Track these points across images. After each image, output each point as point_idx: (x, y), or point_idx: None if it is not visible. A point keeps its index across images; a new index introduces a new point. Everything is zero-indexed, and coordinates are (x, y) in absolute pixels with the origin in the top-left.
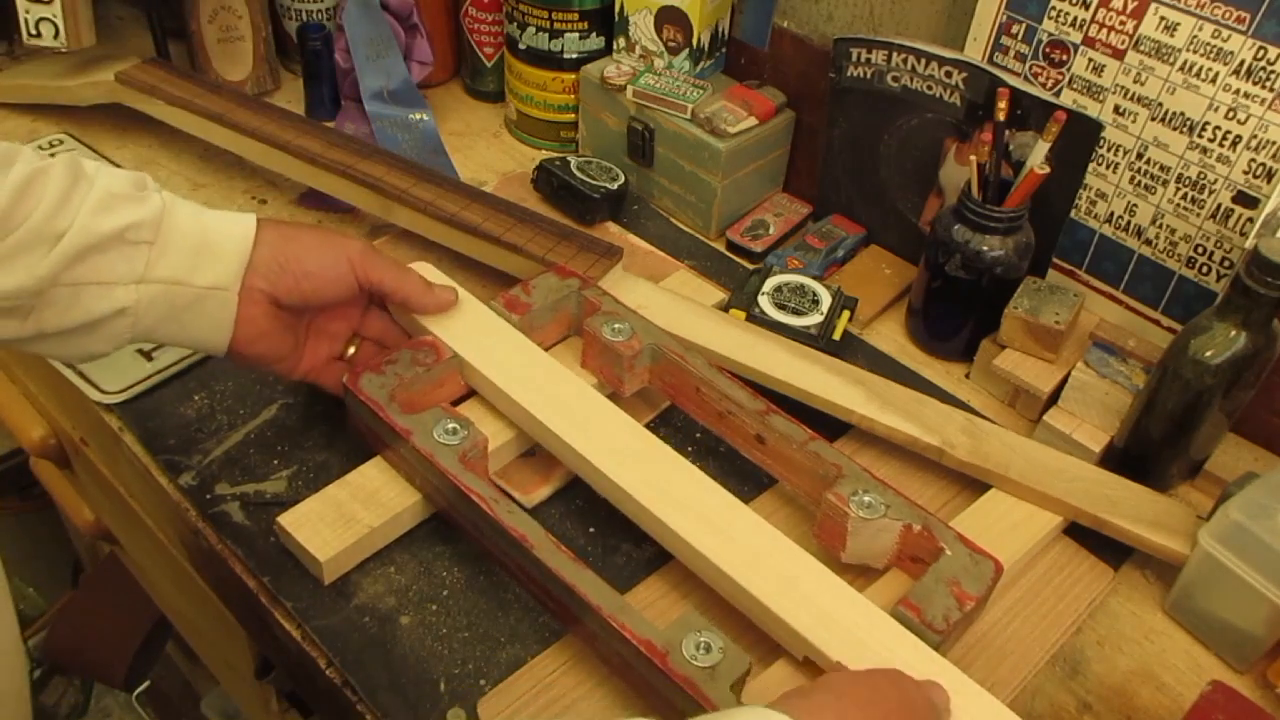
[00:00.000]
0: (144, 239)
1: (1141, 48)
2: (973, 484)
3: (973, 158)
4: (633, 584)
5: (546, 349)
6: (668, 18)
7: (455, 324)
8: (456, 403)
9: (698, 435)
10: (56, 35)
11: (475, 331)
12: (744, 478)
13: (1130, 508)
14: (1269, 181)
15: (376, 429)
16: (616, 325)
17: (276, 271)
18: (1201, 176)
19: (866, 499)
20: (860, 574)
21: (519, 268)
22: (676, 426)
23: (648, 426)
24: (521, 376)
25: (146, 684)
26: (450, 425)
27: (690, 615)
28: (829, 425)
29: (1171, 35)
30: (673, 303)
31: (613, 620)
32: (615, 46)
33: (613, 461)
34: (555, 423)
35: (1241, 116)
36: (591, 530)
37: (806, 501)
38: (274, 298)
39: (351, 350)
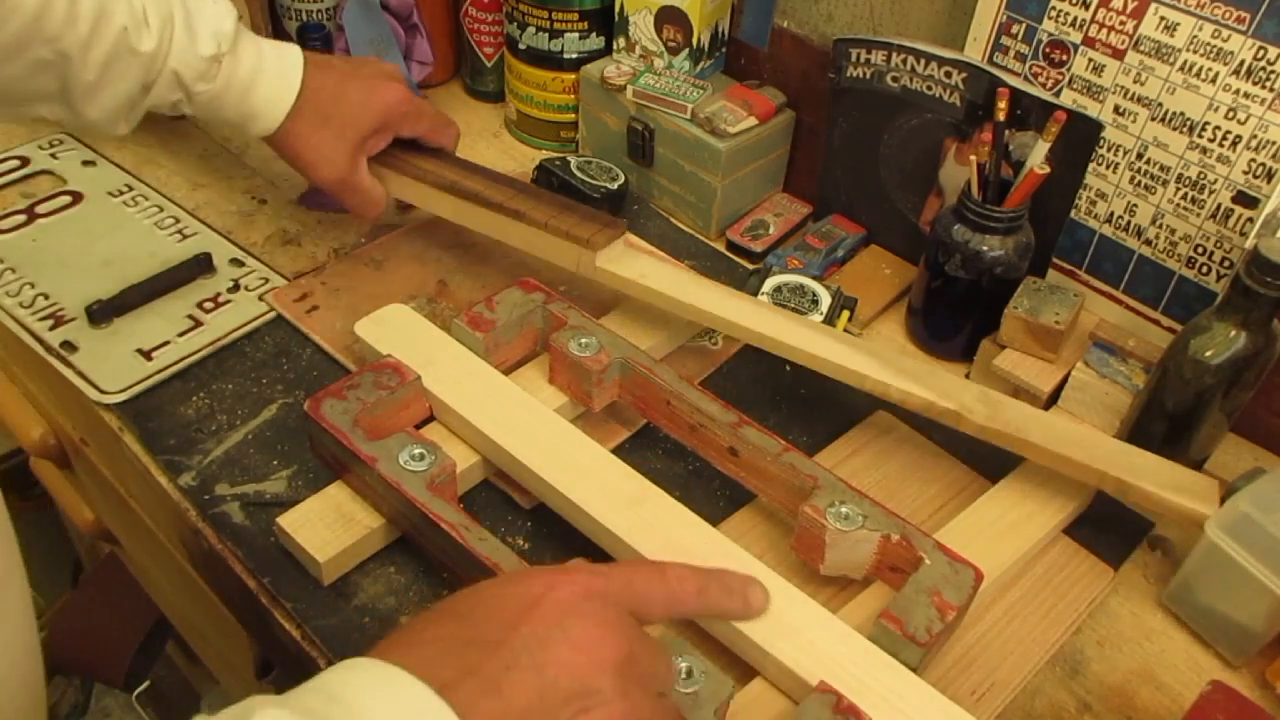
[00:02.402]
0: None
1: (1141, 48)
2: (973, 484)
3: (973, 158)
4: None
5: (513, 366)
6: (668, 18)
7: (416, 350)
8: (421, 425)
9: (672, 450)
10: None
11: (437, 358)
12: (727, 493)
13: (1153, 474)
14: (1269, 181)
15: (340, 456)
16: (583, 340)
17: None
18: (1201, 176)
19: (844, 510)
20: (842, 586)
21: (522, 238)
22: (651, 444)
23: (625, 444)
24: (483, 402)
25: (146, 684)
26: (417, 450)
27: (670, 639)
28: (826, 421)
29: (1171, 35)
30: (675, 273)
31: None
32: (615, 46)
33: (579, 489)
34: (519, 450)
35: (1241, 116)
36: (568, 548)
37: (784, 514)
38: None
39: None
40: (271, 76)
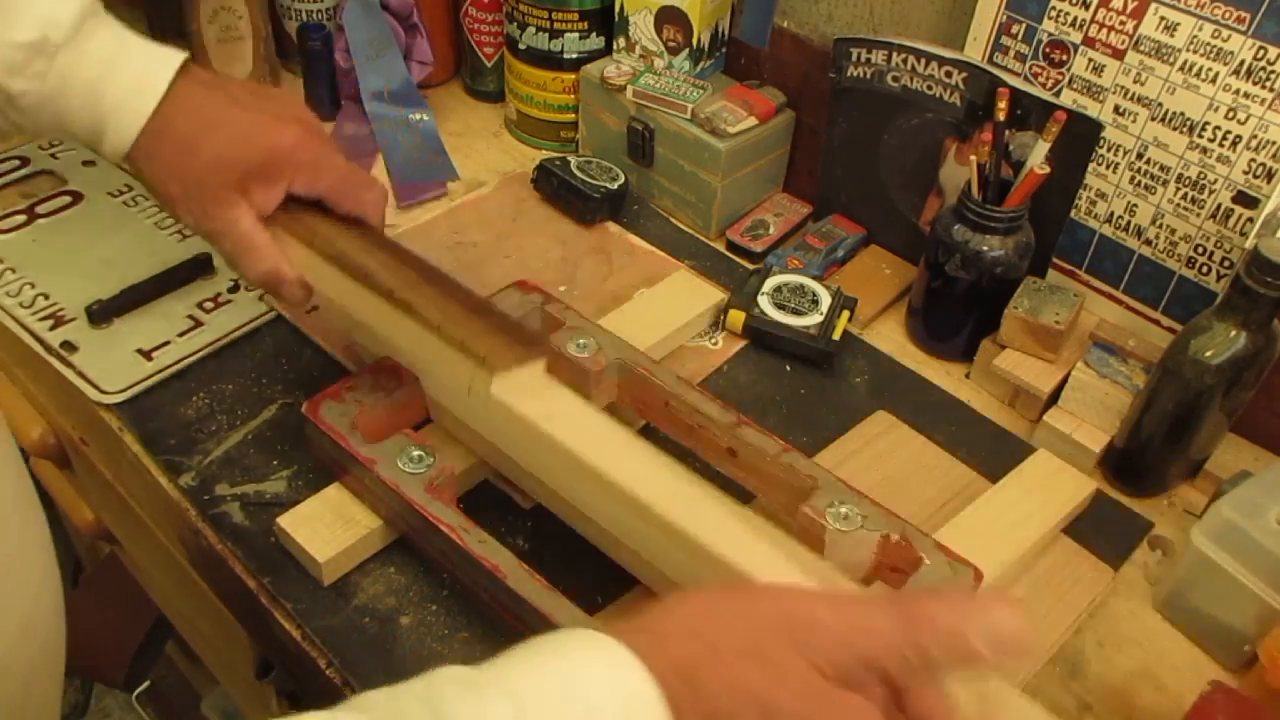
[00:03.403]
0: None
1: (1141, 48)
2: (973, 484)
3: (973, 158)
4: (606, 601)
5: None
6: (668, 18)
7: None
8: (419, 426)
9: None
10: None
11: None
12: (726, 493)
13: None
14: (1269, 181)
15: (339, 458)
16: (581, 340)
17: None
18: (1201, 176)
19: (843, 510)
20: None
21: (410, 341)
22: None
23: None
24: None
25: (146, 684)
26: (415, 453)
27: None
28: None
29: (1171, 35)
30: (596, 429)
31: None
32: (615, 46)
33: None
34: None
35: (1241, 116)
36: (568, 548)
37: (783, 515)
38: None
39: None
40: (128, 83)
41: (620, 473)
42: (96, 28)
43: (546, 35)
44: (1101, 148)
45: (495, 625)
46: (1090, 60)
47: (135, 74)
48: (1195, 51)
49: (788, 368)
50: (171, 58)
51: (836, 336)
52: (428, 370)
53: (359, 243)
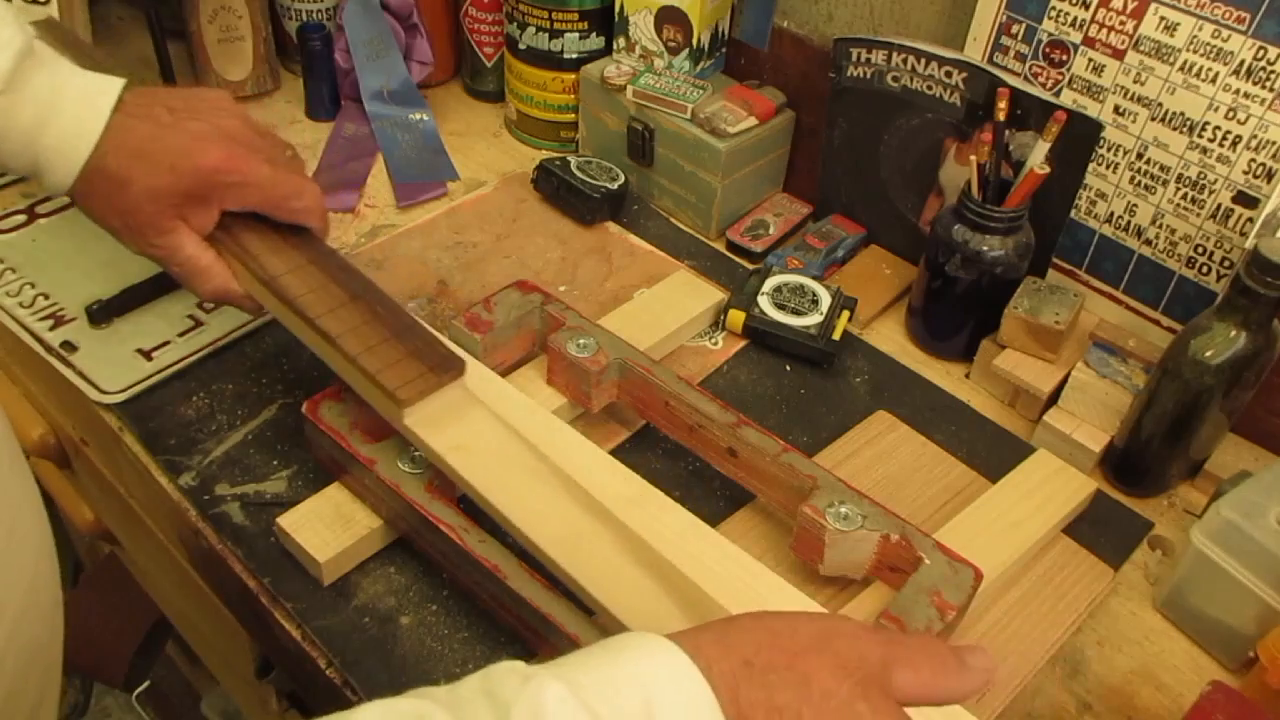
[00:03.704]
0: None
1: (1141, 48)
2: (973, 484)
3: (973, 158)
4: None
5: (511, 367)
6: (668, 18)
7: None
8: None
9: (671, 451)
10: None
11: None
12: (726, 493)
13: None
14: (1269, 181)
15: (339, 458)
16: (581, 340)
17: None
18: (1201, 176)
19: (843, 510)
20: (841, 586)
21: (340, 366)
22: (650, 445)
23: (625, 445)
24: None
25: (146, 684)
26: (415, 453)
27: None
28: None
29: (1171, 35)
30: (503, 449)
31: None
32: (615, 46)
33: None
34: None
35: (1241, 116)
36: None
37: (783, 515)
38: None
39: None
40: (64, 126)
41: (513, 511)
42: (33, 71)
43: (546, 35)
44: (1101, 148)
45: (495, 625)
46: (1090, 60)
47: (71, 118)
48: (1195, 51)
49: (788, 368)
50: (107, 92)
51: (836, 336)
52: (360, 393)
53: (290, 261)
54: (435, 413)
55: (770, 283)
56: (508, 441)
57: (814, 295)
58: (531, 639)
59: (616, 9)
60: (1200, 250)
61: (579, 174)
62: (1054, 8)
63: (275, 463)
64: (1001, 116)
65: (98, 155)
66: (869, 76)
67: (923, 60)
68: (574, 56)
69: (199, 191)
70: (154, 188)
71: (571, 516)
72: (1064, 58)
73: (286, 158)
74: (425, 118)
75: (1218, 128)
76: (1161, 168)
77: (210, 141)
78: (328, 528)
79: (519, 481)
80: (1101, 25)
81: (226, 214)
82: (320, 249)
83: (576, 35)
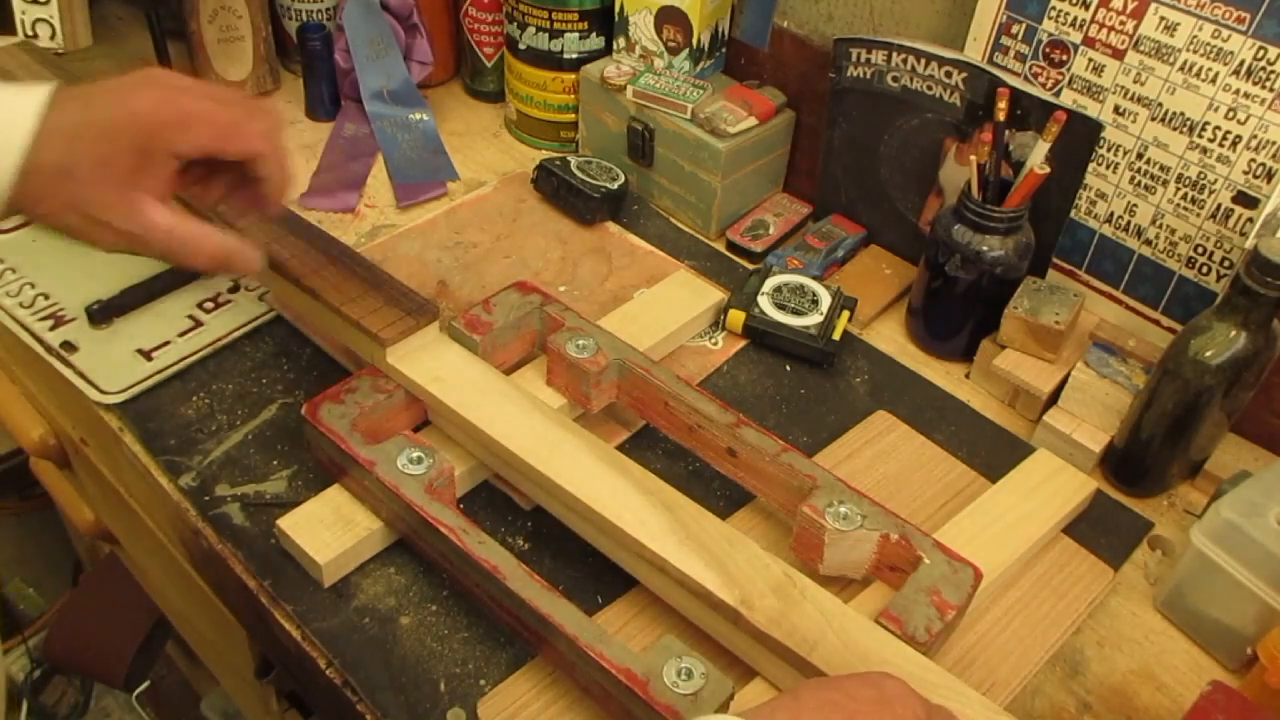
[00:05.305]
0: None
1: (1141, 48)
2: (973, 484)
3: (973, 158)
4: (606, 602)
5: (511, 368)
6: (668, 18)
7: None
8: (419, 428)
9: (671, 451)
10: (53, 36)
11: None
12: (726, 493)
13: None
14: (1269, 181)
15: (339, 460)
16: (581, 341)
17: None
18: (1201, 176)
19: (842, 510)
20: (841, 586)
21: (323, 320)
22: (650, 445)
23: (625, 445)
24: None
25: (146, 684)
26: (415, 454)
27: (669, 640)
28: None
29: (1171, 35)
30: (480, 385)
31: (590, 650)
32: (615, 46)
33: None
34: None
35: (1241, 116)
36: (568, 549)
37: (783, 515)
38: None
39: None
40: None
41: (491, 426)
42: None
43: (546, 35)
44: (1101, 148)
45: (495, 625)
46: (1090, 60)
47: (2, 127)
48: (1195, 51)
49: (788, 368)
50: (32, 100)
51: (836, 336)
52: (344, 341)
53: (270, 233)
54: (414, 350)
55: (770, 283)
56: (481, 373)
57: (814, 295)
58: (531, 639)
59: (616, 9)
60: (1200, 250)
61: (579, 174)
62: (1054, 8)
63: (275, 463)
64: (1001, 116)
65: (30, 161)
66: (869, 76)
67: (923, 60)
68: (574, 56)
69: (142, 143)
70: (96, 160)
71: (543, 429)
72: (1064, 58)
73: (233, 97)
74: (425, 118)
75: (1218, 128)
76: (1161, 168)
77: (140, 89)
78: (328, 530)
79: (493, 403)
80: (1101, 25)
81: (200, 198)
82: (296, 220)
83: (576, 35)
